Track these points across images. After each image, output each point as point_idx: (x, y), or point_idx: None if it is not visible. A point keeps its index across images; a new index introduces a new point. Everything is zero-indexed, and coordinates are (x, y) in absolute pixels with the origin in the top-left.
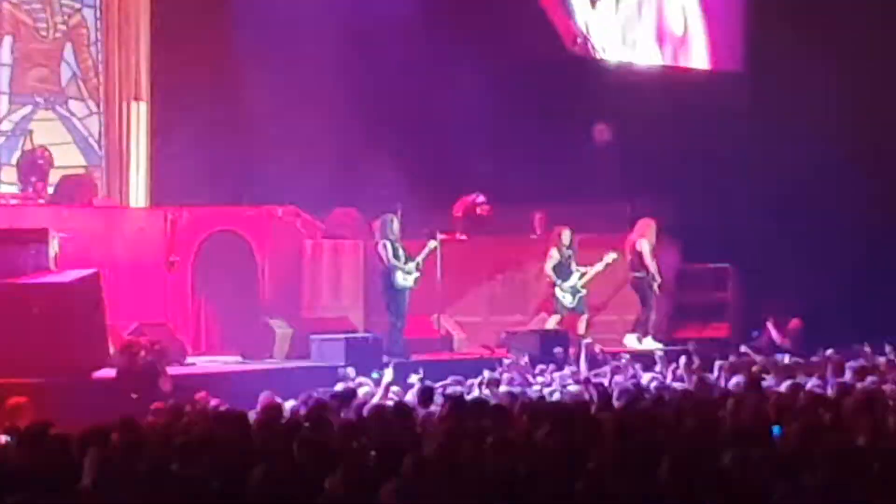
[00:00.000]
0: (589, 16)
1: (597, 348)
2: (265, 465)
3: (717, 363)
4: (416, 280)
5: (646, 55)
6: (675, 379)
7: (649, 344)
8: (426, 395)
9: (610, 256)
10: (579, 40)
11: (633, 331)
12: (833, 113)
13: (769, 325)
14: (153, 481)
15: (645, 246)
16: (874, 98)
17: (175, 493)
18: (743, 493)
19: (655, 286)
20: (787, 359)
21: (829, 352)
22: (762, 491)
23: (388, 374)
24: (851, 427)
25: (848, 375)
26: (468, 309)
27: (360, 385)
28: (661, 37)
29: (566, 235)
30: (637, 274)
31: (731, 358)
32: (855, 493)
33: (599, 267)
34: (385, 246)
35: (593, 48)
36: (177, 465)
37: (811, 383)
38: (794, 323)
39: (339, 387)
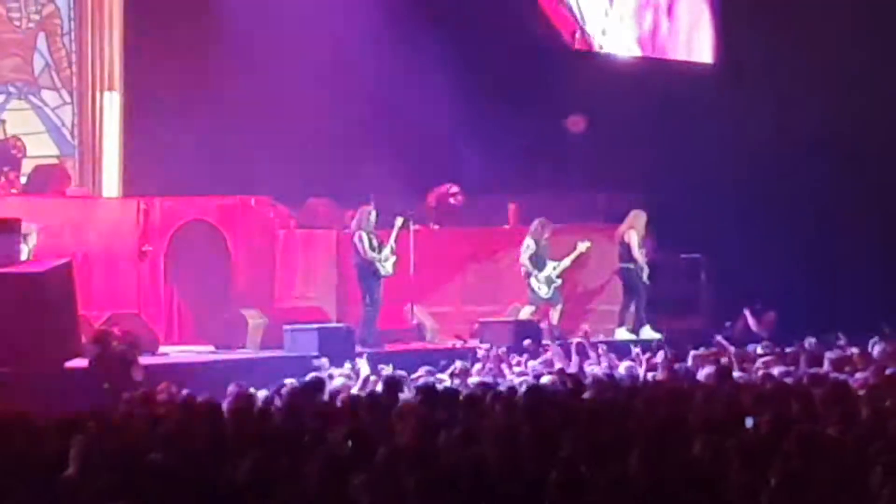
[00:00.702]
0: (585, 8)
1: (578, 336)
2: (251, 456)
3: (691, 353)
4: (393, 265)
5: (625, 47)
6: (648, 369)
7: (624, 334)
8: (392, 386)
9: (583, 245)
10: (577, 34)
11: (621, 322)
12: (806, 106)
13: (747, 314)
14: (135, 470)
15: (633, 237)
16: (845, 90)
17: (158, 482)
18: (714, 483)
19: (644, 277)
20: (759, 349)
21: (812, 341)
22: (733, 481)
23: (364, 367)
24: (823, 418)
25: (824, 366)
26: (441, 299)
27: (333, 376)
28: (645, 27)
29: (543, 227)
30: (624, 265)
31: (704, 349)
32: (824, 482)
33: (573, 256)
34: (361, 238)
35: (591, 38)
36: (157, 455)
37: (782, 373)
38: (770, 315)
39: (311, 376)
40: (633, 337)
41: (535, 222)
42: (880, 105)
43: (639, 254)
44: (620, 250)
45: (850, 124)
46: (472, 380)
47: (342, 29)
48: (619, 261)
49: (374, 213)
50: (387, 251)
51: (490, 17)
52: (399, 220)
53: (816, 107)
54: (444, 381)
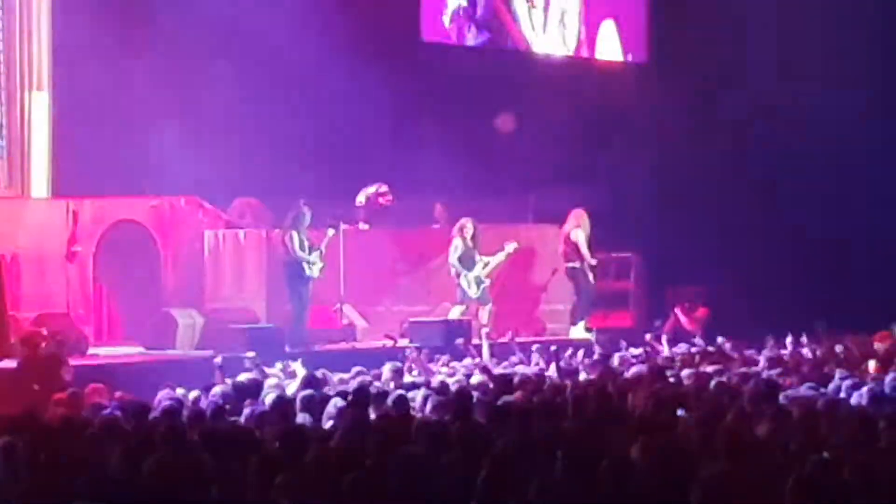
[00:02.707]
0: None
1: (506, 337)
2: (159, 455)
3: (621, 352)
4: (320, 270)
5: (552, 46)
6: (579, 368)
7: (580, 332)
8: (316, 386)
9: (510, 246)
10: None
11: (572, 321)
12: (738, 106)
13: (678, 312)
14: (60, 472)
15: (580, 236)
16: (778, 91)
17: (84, 484)
18: (644, 482)
19: (590, 275)
20: (692, 348)
21: (723, 341)
22: (663, 479)
23: (300, 369)
24: (753, 417)
25: (756, 365)
26: (371, 299)
27: (268, 377)
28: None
29: (469, 226)
30: (572, 264)
31: (634, 347)
32: (753, 482)
33: (501, 257)
34: (292, 237)
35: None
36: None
37: (712, 372)
38: (702, 311)
39: (244, 377)
40: (589, 336)
41: (461, 222)
42: (810, 102)
43: (586, 252)
44: (567, 249)
45: (781, 122)
46: (405, 379)
47: (271, 30)
48: (566, 260)
49: (307, 213)
50: (315, 255)
51: (418, 17)
52: (330, 232)
53: (748, 105)
54: (376, 381)
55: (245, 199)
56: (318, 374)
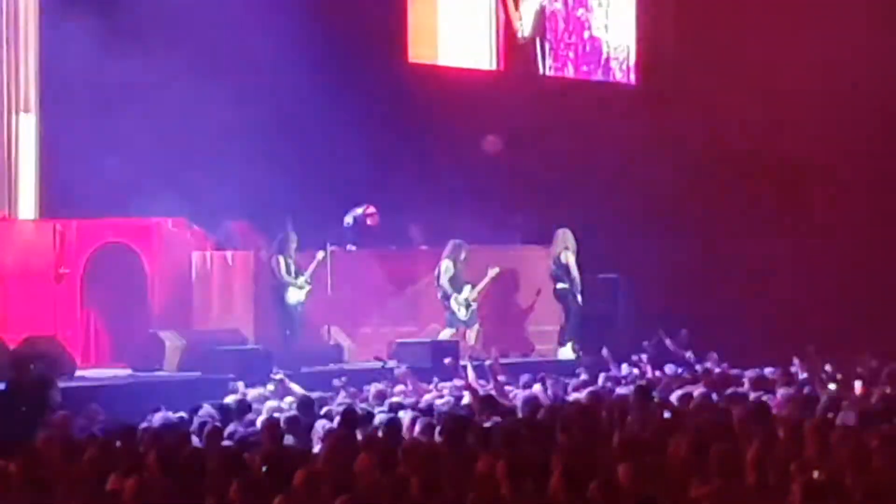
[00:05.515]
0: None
1: (491, 358)
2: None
3: (607, 374)
4: (306, 294)
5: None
6: (567, 389)
7: (568, 353)
8: (306, 408)
9: (493, 271)
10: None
11: (560, 342)
12: (727, 129)
13: (661, 335)
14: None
15: (570, 258)
16: (764, 112)
17: None
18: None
19: (578, 297)
20: (679, 369)
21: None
22: (652, 501)
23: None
24: (741, 438)
25: (745, 386)
26: (359, 319)
27: (248, 397)
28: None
29: (464, 249)
30: (561, 285)
31: (622, 369)
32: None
33: (486, 281)
34: (279, 262)
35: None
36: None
37: (700, 393)
38: (683, 333)
39: (230, 399)
40: (576, 357)
41: (451, 244)
42: (796, 128)
43: (577, 275)
44: (557, 271)
45: (773, 143)
46: (393, 400)
47: (258, 54)
48: (554, 281)
49: (294, 239)
50: (302, 279)
51: (403, 40)
52: (320, 254)
53: (737, 129)
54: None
55: (233, 221)
56: (315, 395)
